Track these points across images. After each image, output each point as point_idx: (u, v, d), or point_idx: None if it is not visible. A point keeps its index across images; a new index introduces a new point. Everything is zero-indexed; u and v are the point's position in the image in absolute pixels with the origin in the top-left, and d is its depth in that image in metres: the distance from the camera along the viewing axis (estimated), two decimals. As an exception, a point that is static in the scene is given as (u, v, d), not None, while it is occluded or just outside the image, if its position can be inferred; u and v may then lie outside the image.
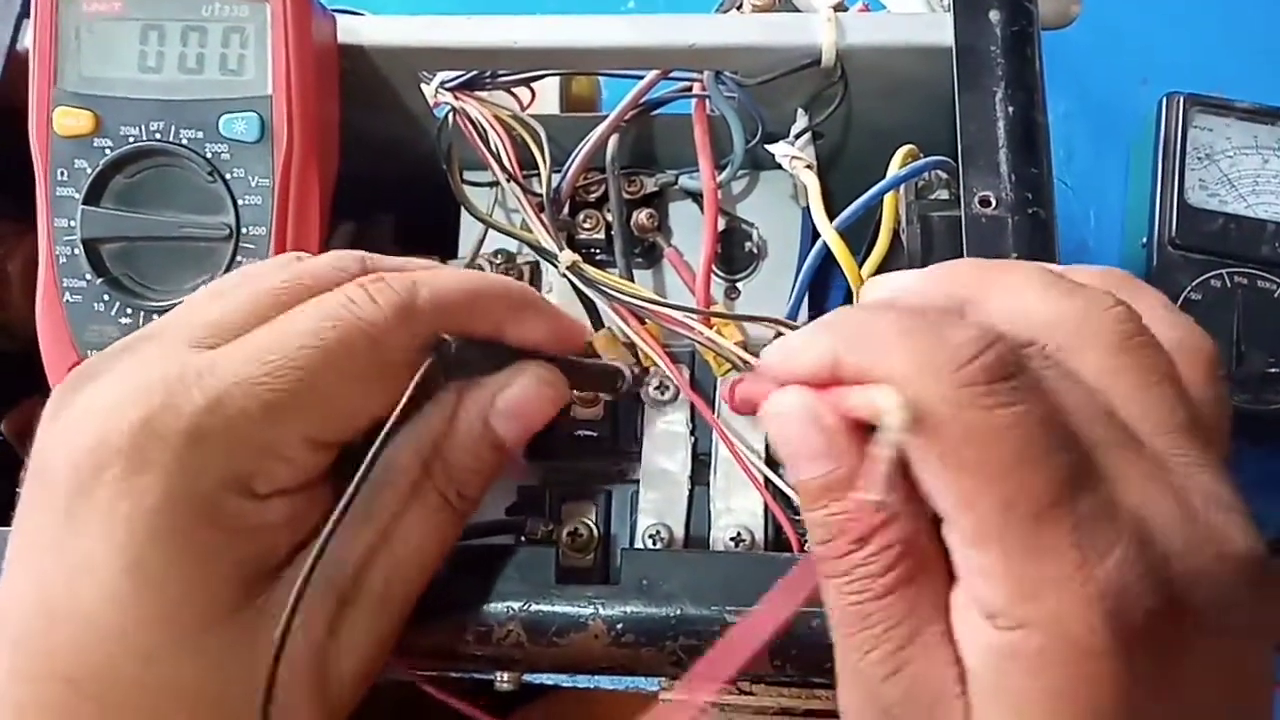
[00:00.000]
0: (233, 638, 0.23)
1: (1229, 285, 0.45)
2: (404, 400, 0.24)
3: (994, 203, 0.31)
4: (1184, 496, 0.19)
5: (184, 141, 0.31)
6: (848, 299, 0.34)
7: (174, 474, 0.22)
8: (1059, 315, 0.20)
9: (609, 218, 0.39)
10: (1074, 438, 0.19)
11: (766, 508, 0.33)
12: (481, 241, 0.39)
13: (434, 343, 0.24)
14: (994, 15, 0.33)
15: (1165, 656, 0.18)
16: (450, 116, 0.37)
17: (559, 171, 0.38)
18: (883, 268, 0.34)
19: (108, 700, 0.22)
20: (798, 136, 0.36)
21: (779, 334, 0.34)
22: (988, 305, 0.21)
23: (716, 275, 0.40)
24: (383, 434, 0.23)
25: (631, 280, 0.37)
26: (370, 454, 0.23)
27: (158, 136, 0.31)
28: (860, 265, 0.33)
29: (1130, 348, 0.20)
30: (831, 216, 0.33)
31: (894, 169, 0.32)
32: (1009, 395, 0.18)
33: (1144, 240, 0.47)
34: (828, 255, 0.32)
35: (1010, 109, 0.32)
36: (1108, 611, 0.17)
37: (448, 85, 0.37)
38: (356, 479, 0.23)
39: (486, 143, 0.37)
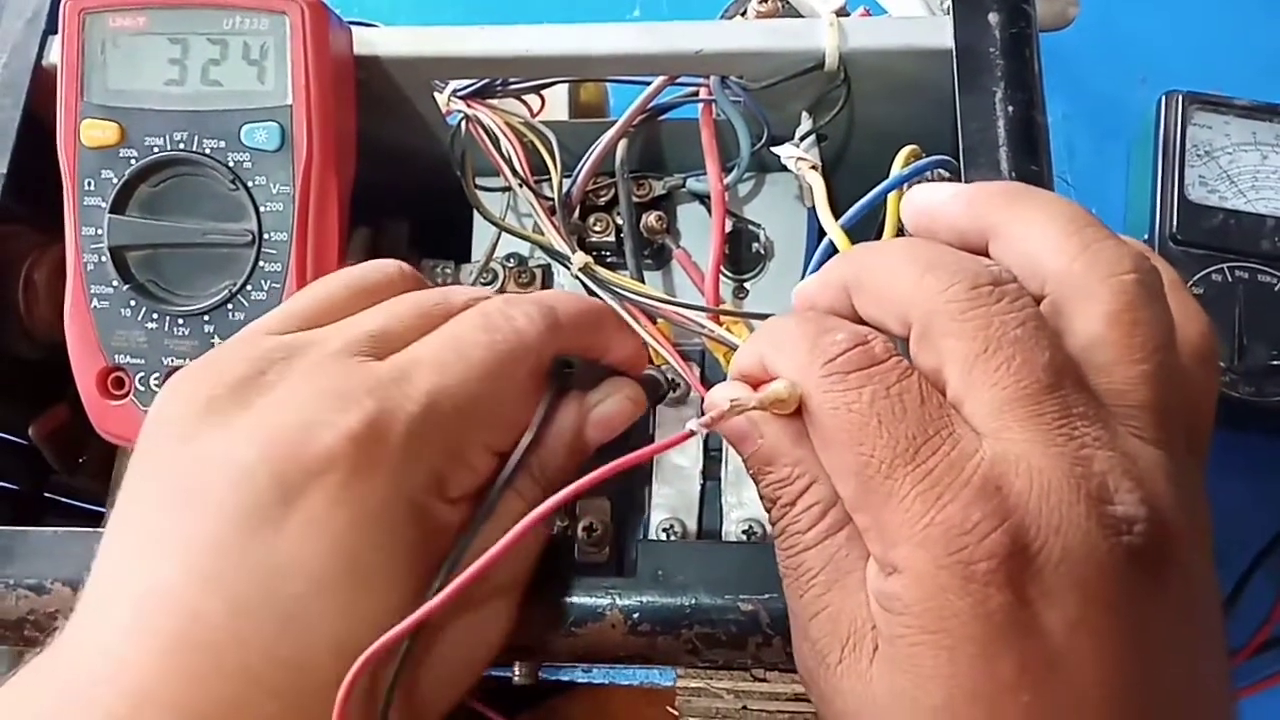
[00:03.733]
0: None
1: (1230, 280, 0.46)
2: (540, 416, 0.26)
3: (995, 200, 0.32)
4: (1088, 465, 0.20)
5: (207, 151, 0.32)
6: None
7: (394, 477, 0.23)
8: (1068, 269, 0.22)
9: (619, 220, 0.39)
10: (935, 407, 0.21)
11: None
12: (495, 246, 0.40)
13: (558, 364, 0.27)
14: (993, 18, 0.34)
15: (1025, 598, 0.19)
16: (463, 124, 0.38)
17: (569, 176, 0.39)
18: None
19: (289, 696, 0.22)
20: (802, 139, 0.36)
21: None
22: (1010, 239, 0.23)
23: (724, 276, 0.41)
24: (523, 446, 0.26)
25: (642, 281, 0.38)
26: (512, 463, 0.25)
27: (181, 146, 0.32)
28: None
29: (1121, 322, 0.21)
30: (836, 216, 0.34)
31: (897, 169, 0.33)
32: (858, 380, 0.21)
33: (1145, 236, 0.48)
34: (833, 254, 0.33)
35: (1010, 109, 0.33)
36: (948, 551, 0.19)
37: (460, 93, 0.38)
38: (499, 485, 0.25)
39: (499, 149, 0.38)
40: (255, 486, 0.22)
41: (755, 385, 0.25)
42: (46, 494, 0.42)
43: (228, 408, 0.23)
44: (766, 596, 0.28)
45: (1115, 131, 0.54)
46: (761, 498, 0.24)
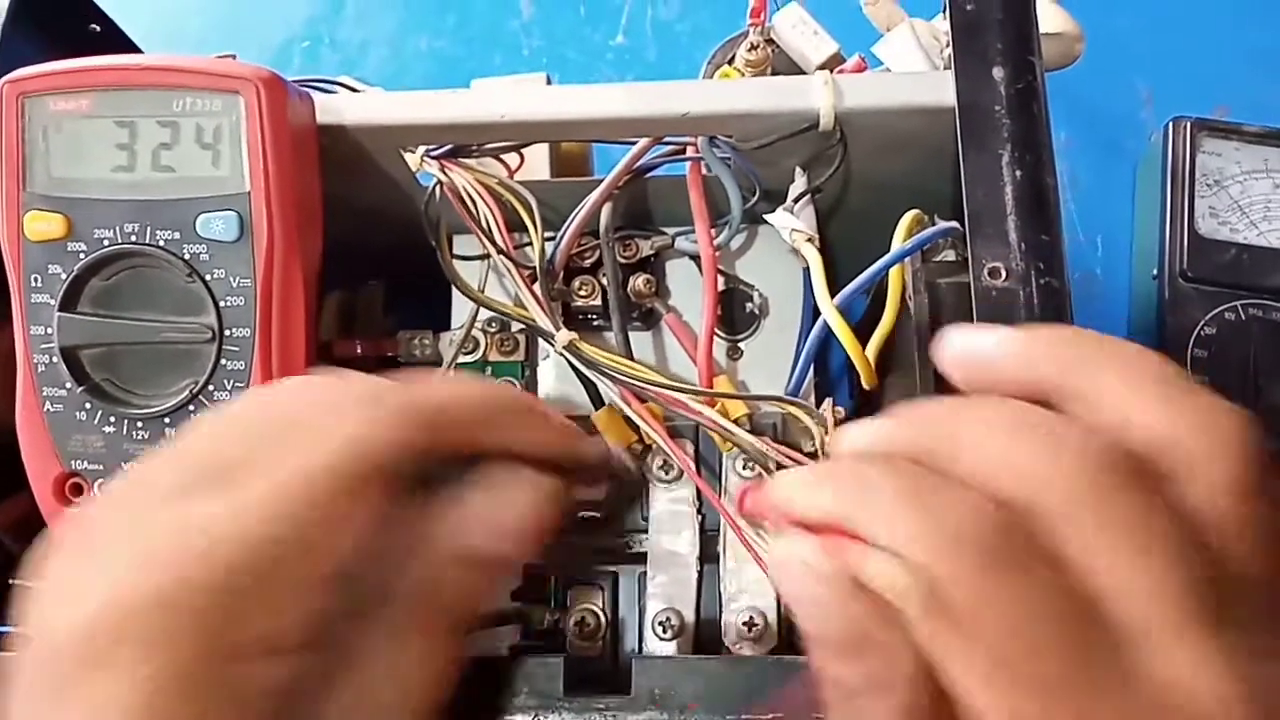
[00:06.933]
0: None
1: (1244, 318, 0.44)
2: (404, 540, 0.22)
3: (1004, 274, 0.30)
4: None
5: (161, 243, 0.30)
6: (850, 366, 0.33)
7: (188, 648, 0.20)
8: (1176, 435, 0.19)
9: (604, 282, 0.37)
10: (1092, 602, 0.18)
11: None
12: (476, 313, 0.38)
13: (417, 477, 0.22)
14: (997, 72, 0.32)
15: None
16: (437, 188, 0.36)
17: (551, 238, 0.36)
18: (889, 341, 0.32)
19: None
20: (796, 200, 0.34)
21: (785, 410, 0.33)
22: (1099, 401, 0.20)
23: (718, 336, 0.39)
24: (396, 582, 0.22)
25: (629, 348, 0.36)
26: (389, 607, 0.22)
27: (133, 239, 0.30)
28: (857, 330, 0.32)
29: (1236, 492, 0.18)
30: (829, 271, 0.32)
31: (899, 240, 0.31)
32: (1008, 559, 0.18)
33: (1154, 273, 0.46)
34: (828, 335, 0.31)
35: (1018, 172, 0.31)
36: None
37: (433, 154, 0.36)
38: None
39: (476, 215, 0.36)
40: (52, 664, 0.20)
41: (816, 531, 0.20)
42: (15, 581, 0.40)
43: (59, 568, 0.22)
44: (771, 717, 0.26)
45: (1119, 154, 0.52)
46: (834, 684, 0.20)
